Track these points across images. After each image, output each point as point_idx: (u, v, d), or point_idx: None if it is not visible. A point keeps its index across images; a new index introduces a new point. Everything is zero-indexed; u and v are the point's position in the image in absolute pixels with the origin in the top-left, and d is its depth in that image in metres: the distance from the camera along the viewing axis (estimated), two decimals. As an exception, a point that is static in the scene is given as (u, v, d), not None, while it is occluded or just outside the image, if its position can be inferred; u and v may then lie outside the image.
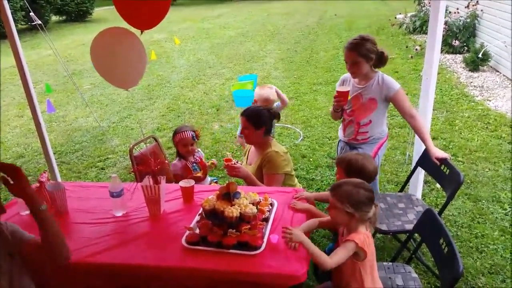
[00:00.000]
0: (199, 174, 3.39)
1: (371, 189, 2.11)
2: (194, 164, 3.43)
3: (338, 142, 3.48)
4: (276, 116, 3.23)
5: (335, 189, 2.14)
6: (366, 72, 3.04)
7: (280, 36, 12.76)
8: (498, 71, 7.58)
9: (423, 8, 10.89)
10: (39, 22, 4.00)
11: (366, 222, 2.11)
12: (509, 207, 3.75)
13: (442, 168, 2.96)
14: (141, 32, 2.87)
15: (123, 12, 2.69)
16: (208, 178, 3.66)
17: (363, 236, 2.06)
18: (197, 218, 2.48)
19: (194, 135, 3.37)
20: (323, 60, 9.51)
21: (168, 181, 3.18)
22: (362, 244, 2.03)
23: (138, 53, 2.81)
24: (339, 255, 2.05)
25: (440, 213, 2.87)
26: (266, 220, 2.43)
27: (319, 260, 2.05)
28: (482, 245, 3.31)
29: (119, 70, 2.82)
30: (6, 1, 3.49)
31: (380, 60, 3.03)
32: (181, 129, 3.38)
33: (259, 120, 3.11)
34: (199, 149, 3.59)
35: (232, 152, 5.08)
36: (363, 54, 2.96)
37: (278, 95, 3.96)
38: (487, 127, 5.40)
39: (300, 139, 5.50)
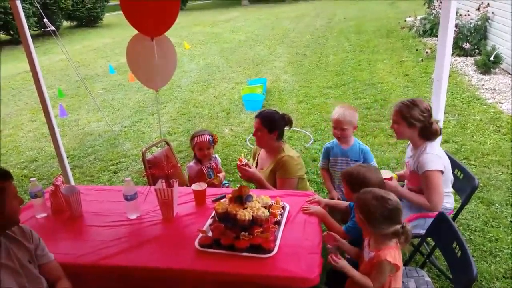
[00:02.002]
0: (214, 181, 3.38)
1: (393, 208, 2.01)
2: (209, 170, 3.44)
3: None
4: (289, 123, 3.25)
5: (360, 193, 2.14)
6: (409, 137, 2.85)
7: (289, 39, 12.78)
8: (510, 74, 7.50)
9: (433, 11, 10.84)
10: (53, 28, 4.09)
11: (392, 238, 2.04)
12: (523, 211, 3.71)
13: (456, 172, 2.94)
14: (152, 39, 2.92)
15: (132, 20, 2.75)
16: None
17: (393, 251, 2.03)
18: (209, 221, 2.50)
19: (211, 139, 3.39)
20: (333, 63, 9.50)
21: (180, 184, 3.21)
22: (395, 261, 2.01)
23: (171, 55, 2.87)
24: (380, 279, 2.03)
25: (454, 217, 2.86)
26: (278, 223, 2.44)
27: (362, 284, 2.05)
28: (496, 249, 3.28)
29: (153, 71, 2.88)
30: (21, 8, 3.55)
31: (429, 132, 2.78)
32: (199, 133, 3.40)
33: (273, 123, 3.14)
34: (217, 155, 3.60)
35: (245, 155, 5.09)
36: (404, 117, 2.77)
37: None
38: (499, 130, 5.35)
39: (310, 142, 5.50)
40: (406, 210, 2.82)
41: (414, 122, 2.76)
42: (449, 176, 2.85)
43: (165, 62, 2.88)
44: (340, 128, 3.15)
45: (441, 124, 3.45)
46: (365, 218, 2.06)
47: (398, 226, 2.01)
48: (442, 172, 2.72)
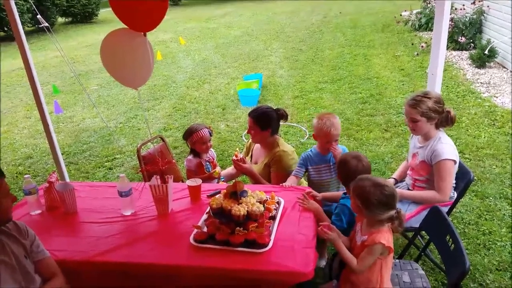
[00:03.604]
0: (214, 175, 3.40)
1: (390, 195, 2.06)
2: (207, 163, 3.46)
3: None
4: (284, 117, 3.25)
5: (356, 180, 2.18)
6: (426, 131, 2.82)
7: (285, 34, 12.75)
8: (505, 67, 7.53)
9: (428, 5, 10.84)
10: (47, 24, 4.05)
11: (385, 223, 2.10)
12: (517, 204, 3.73)
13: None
14: (144, 34, 2.89)
15: (121, 16, 2.73)
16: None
17: (387, 235, 2.08)
18: (204, 216, 2.51)
19: (210, 132, 3.41)
20: (328, 58, 9.49)
21: (176, 180, 3.21)
22: (389, 243, 2.06)
23: (146, 52, 2.83)
24: (368, 261, 2.08)
25: (449, 211, 2.87)
26: (273, 218, 2.45)
27: (347, 261, 2.12)
28: (490, 242, 3.30)
29: (128, 70, 2.84)
30: (14, 4, 3.52)
31: (446, 120, 2.78)
32: (196, 128, 3.37)
33: (265, 121, 3.15)
34: (212, 149, 3.61)
35: (240, 150, 5.09)
36: (423, 113, 2.73)
37: None
38: (494, 124, 5.38)
39: (306, 137, 5.50)
40: (413, 204, 2.86)
41: (433, 115, 2.74)
42: (457, 167, 2.86)
43: (145, 59, 2.85)
44: (335, 140, 2.96)
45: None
46: (363, 204, 2.10)
47: (393, 212, 2.07)
48: (455, 162, 2.74)
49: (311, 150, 3.14)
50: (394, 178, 3.22)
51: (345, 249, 2.16)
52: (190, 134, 3.38)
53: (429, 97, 2.75)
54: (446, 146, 2.74)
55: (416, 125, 2.81)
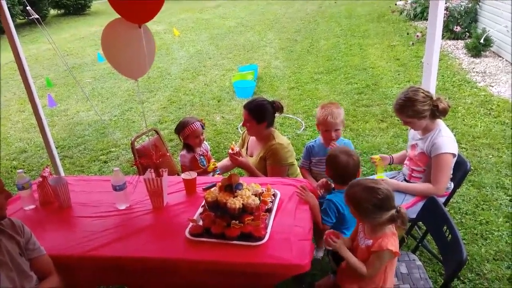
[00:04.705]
0: (209, 169, 3.37)
1: (384, 197, 1.98)
2: (201, 157, 3.42)
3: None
4: (280, 109, 3.22)
5: (348, 187, 2.13)
6: (423, 126, 2.80)
7: (280, 25, 12.67)
8: (500, 56, 7.51)
9: (423, -6, 10.79)
10: (36, 16, 3.96)
11: (387, 224, 2.02)
12: (513, 193, 3.73)
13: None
14: (139, 26, 2.85)
15: (117, 7, 2.67)
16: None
17: (393, 239, 2.02)
18: (200, 210, 2.48)
19: (202, 125, 3.36)
20: (324, 48, 9.44)
21: (171, 173, 3.19)
22: (396, 248, 2.01)
23: (147, 41, 2.79)
24: (377, 266, 2.03)
25: (446, 202, 2.86)
26: (269, 210, 2.43)
27: (356, 267, 2.05)
28: (487, 232, 3.30)
29: (129, 60, 2.80)
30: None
31: (439, 113, 2.76)
32: (188, 122, 3.32)
33: (261, 114, 3.12)
34: (205, 142, 3.57)
35: (236, 142, 5.07)
36: (410, 116, 2.73)
37: None
38: (490, 113, 5.37)
39: (302, 129, 5.48)
40: (410, 195, 2.86)
41: (422, 115, 2.73)
42: (455, 160, 2.84)
43: (145, 50, 2.81)
44: (334, 129, 2.99)
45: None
46: (358, 212, 2.06)
47: (393, 211, 1.99)
48: (454, 155, 2.74)
49: (315, 141, 3.20)
50: (391, 156, 3.19)
51: (351, 255, 2.09)
52: (182, 128, 3.32)
53: (413, 100, 2.71)
54: (446, 139, 2.74)
55: (409, 125, 2.83)
